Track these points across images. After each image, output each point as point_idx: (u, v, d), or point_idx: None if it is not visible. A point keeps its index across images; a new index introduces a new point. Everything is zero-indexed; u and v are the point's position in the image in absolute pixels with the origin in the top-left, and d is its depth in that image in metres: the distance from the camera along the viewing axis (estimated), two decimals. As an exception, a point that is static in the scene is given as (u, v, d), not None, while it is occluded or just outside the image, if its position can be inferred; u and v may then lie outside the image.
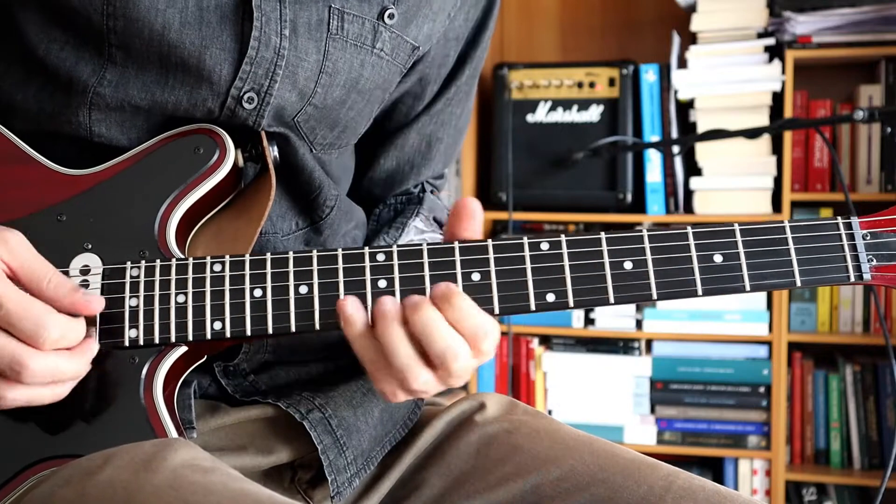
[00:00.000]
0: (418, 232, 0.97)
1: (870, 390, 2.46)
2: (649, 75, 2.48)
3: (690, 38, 2.51)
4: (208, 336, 0.75)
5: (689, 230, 0.76)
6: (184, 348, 0.76)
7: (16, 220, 0.78)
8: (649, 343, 2.55)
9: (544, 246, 0.76)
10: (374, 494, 0.87)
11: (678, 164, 2.48)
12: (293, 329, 0.75)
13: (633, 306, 2.51)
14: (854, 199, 2.38)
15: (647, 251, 0.76)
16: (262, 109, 0.82)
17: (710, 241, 0.76)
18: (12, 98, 0.83)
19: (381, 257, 0.76)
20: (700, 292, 0.76)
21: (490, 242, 0.76)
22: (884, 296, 2.43)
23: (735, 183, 2.44)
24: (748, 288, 0.76)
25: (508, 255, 0.76)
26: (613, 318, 2.52)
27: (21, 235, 0.73)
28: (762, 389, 2.45)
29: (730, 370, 2.47)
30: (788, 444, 2.49)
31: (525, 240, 0.76)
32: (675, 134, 2.48)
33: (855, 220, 0.77)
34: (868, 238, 0.77)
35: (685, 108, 2.51)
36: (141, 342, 0.75)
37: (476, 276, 0.75)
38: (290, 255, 0.76)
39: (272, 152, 0.83)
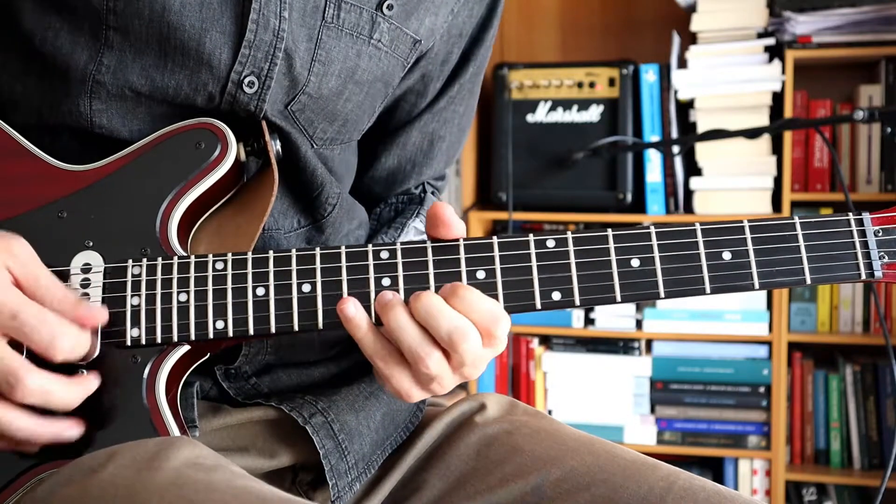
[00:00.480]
0: (418, 233, 0.97)
1: (870, 390, 2.46)
2: (649, 75, 2.48)
3: (690, 38, 2.51)
4: (211, 335, 0.75)
5: (698, 227, 0.75)
6: (186, 347, 0.76)
7: (16, 217, 0.77)
8: (649, 343, 2.54)
9: (550, 243, 0.75)
10: (374, 496, 0.87)
11: (678, 164, 2.48)
12: (296, 328, 0.75)
13: (633, 306, 2.51)
14: (854, 199, 2.38)
15: (655, 248, 0.75)
16: (263, 94, 0.81)
17: (718, 237, 0.75)
18: (13, 90, 0.82)
19: (385, 255, 0.75)
20: (708, 290, 0.74)
21: (496, 240, 0.75)
22: (884, 296, 2.43)
23: (735, 183, 2.44)
24: (757, 286, 0.74)
25: (514, 252, 0.75)
26: (613, 318, 2.52)
27: (25, 243, 0.73)
28: (762, 389, 2.45)
29: (730, 370, 2.47)
30: (788, 444, 2.49)
31: (531, 237, 0.76)
32: (675, 134, 2.48)
33: (867, 217, 0.76)
34: (880, 234, 0.75)
35: (685, 108, 2.50)
36: (143, 341, 0.75)
37: (481, 274, 0.75)
38: (293, 253, 0.76)
39: (275, 146, 0.82)
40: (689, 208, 2.49)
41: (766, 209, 2.43)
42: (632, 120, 2.48)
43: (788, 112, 2.37)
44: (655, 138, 2.47)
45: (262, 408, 0.85)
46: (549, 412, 2.57)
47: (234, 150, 0.80)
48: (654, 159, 2.48)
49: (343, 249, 0.76)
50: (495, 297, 0.74)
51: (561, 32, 2.85)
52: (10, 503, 0.72)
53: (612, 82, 2.50)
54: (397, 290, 0.75)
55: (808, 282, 0.75)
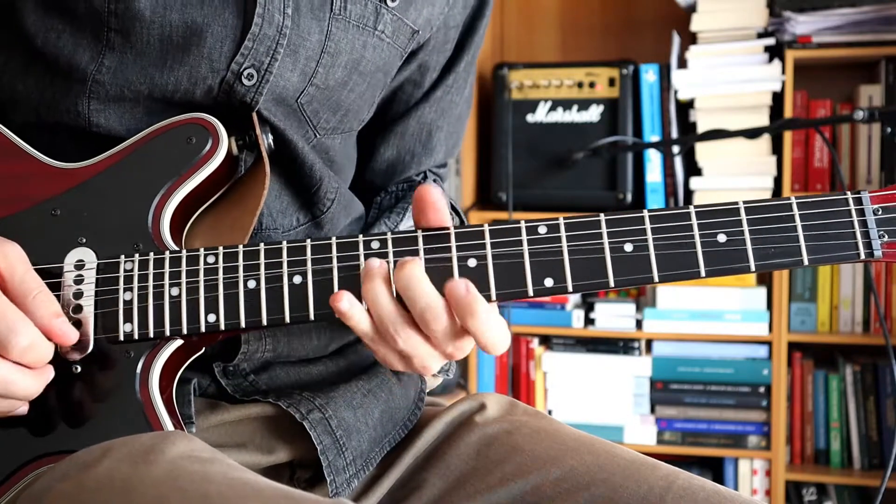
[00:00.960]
0: None
1: (870, 390, 2.46)
2: (649, 75, 2.48)
3: (690, 38, 2.50)
4: (202, 329, 0.75)
5: (692, 209, 0.74)
6: (179, 341, 0.76)
7: (9, 216, 0.78)
8: (649, 343, 2.54)
9: (542, 229, 0.74)
10: (373, 495, 0.87)
11: (678, 164, 2.48)
12: (287, 320, 0.74)
13: (632, 305, 2.51)
14: (854, 199, 2.38)
15: (648, 232, 0.74)
16: (260, 87, 0.82)
17: (713, 220, 0.74)
18: (13, 89, 0.83)
19: (375, 245, 0.75)
20: (703, 273, 0.73)
21: (486, 227, 0.75)
22: (884, 296, 2.43)
23: (735, 183, 2.44)
24: (753, 268, 0.73)
25: (505, 239, 0.74)
26: (613, 318, 2.52)
27: (19, 248, 0.73)
28: (762, 389, 2.45)
29: (730, 370, 2.47)
30: (788, 444, 2.49)
31: (522, 224, 0.75)
32: (675, 134, 2.48)
33: (865, 195, 0.74)
34: (879, 213, 0.74)
35: (685, 108, 2.50)
36: (136, 336, 0.75)
37: (472, 262, 0.74)
38: (284, 244, 0.76)
39: (266, 139, 0.82)
40: (689, 208, 2.48)
41: (767, 209, 2.43)
42: (632, 120, 2.48)
43: (788, 112, 2.37)
44: (655, 138, 2.47)
45: (259, 404, 0.85)
46: (549, 412, 2.56)
47: (225, 144, 0.80)
48: (654, 159, 2.48)
49: (334, 240, 0.75)
50: (487, 284, 0.74)
51: (561, 32, 2.85)
52: (6, 499, 0.72)
53: (612, 82, 2.50)
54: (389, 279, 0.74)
55: (806, 262, 0.73)
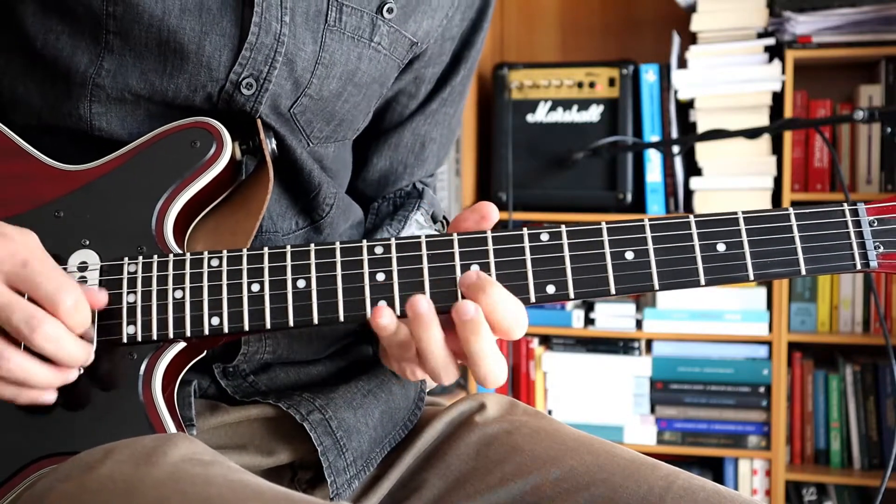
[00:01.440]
0: (419, 227, 0.97)
1: (870, 390, 2.46)
2: (649, 75, 2.48)
3: (690, 38, 2.51)
4: (206, 332, 0.75)
5: (692, 219, 0.75)
6: (182, 344, 0.76)
7: (13, 217, 0.77)
8: (649, 343, 2.54)
9: (544, 237, 0.75)
10: (373, 495, 0.87)
11: (678, 164, 2.48)
12: (291, 324, 0.75)
13: (633, 306, 2.51)
14: (854, 198, 2.38)
15: (649, 240, 0.75)
16: (259, 96, 0.82)
17: (712, 229, 0.75)
18: (14, 91, 0.83)
19: (379, 250, 0.75)
20: (703, 282, 0.74)
21: (489, 234, 0.75)
22: (884, 295, 2.43)
23: (735, 183, 2.44)
24: (752, 277, 0.74)
25: (508, 246, 0.75)
26: (613, 318, 2.52)
27: (34, 235, 0.73)
28: (762, 389, 2.45)
29: (730, 370, 2.47)
30: (788, 444, 2.49)
31: (525, 231, 0.76)
32: (675, 134, 2.48)
33: (861, 207, 0.75)
34: (875, 225, 0.75)
35: (685, 108, 2.50)
36: (139, 338, 0.75)
37: (475, 269, 0.75)
38: (288, 249, 0.76)
39: (269, 144, 0.83)
40: (689, 208, 2.49)
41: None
42: (632, 120, 2.48)
43: (788, 112, 2.37)
44: (655, 138, 2.47)
45: (259, 406, 0.85)
46: (549, 412, 2.57)
47: (229, 148, 0.80)
48: (654, 159, 2.48)
49: (338, 245, 0.76)
50: None
51: (561, 32, 2.85)
52: (8, 499, 0.72)
53: (612, 82, 2.50)
54: (392, 285, 0.75)
55: (804, 272, 0.74)
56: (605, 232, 0.75)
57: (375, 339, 0.92)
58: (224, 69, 0.80)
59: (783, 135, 2.38)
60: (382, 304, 0.73)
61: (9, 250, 0.71)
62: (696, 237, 0.75)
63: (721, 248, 0.75)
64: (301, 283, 0.75)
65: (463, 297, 0.73)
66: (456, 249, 0.75)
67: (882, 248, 0.75)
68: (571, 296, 0.74)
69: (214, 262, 0.76)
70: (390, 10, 0.86)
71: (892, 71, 2.44)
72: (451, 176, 2.59)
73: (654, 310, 2.49)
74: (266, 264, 0.76)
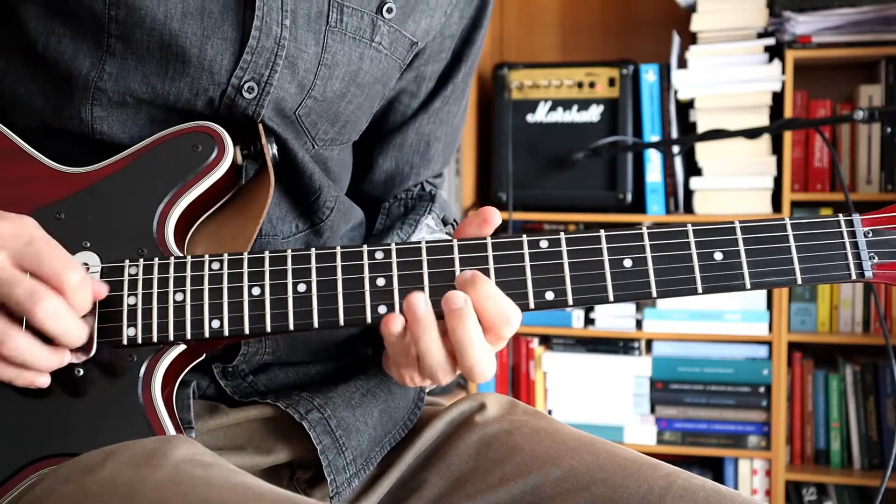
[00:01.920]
0: (430, 231, 0.97)
1: (870, 390, 2.46)
2: (649, 75, 2.48)
3: (690, 38, 2.51)
4: (206, 334, 0.75)
5: (689, 227, 0.76)
6: (182, 346, 0.76)
7: None
8: (649, 343, 2.54)
9: (543, 244, 0.76)
10: (373, 494, 0.87)
11: (678, 164, 2.48)
12: (291, 328, 0.75)
13: (632, 306, 2.51)
14: (854, 199, 2.38)
15: (647, 249, 0.76)
16: (261, 99, 0.82)
17: (710, 238, 0.76)
18: (15, 93, 0.83)
19: (379, 255, 0.76)
20: (700, 290, 0.75)
21: (489, 241, 0.76)
22: (884, 296, 2.43)
23: (735, 183, 2.44)
24: (749, 286, 0.75)
25: (507, 252, 0.76)
26: (613, 318, 2.52)
27: (34, 220, 0.74)
28: (762, 389, 2.45)
29: (730, 370, 2.47)
30: (788, 444, 2.49)
31: (524, 238, 0.76)
32: (675, 134, 2.48)
33: (856, 218, 0.77)
34: (870, 235, 0.76)
35: (685, 108, 2.50)
36: (139, 340, 0.75)
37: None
38: (289, 253, 0.76)
39: (271, 149, 0.83)
40: (689, 208, 2.49)
41: (766, 209, 2.43)
42: (632, 120, 2.48)
43: (788, 112, 2.37)
44: (655, 138, 2.47)
45: (258, 406, 0.85)
46: (549, 412, 2.57)
47: (230, 152, 0.81)
48: (654, 159, 2.48)
49: (338, 250, 0.76)
50: None
51: (561, 32, 2.85)
52: (7, 499, 0.72)
53: (612, 82, 2.50)
54: (392, 291, 0.75)
55: (800, 282, 0.75)
56: (603, 240, 0.76)
57: (376, 342, 0.92)
58: (226, 73, 0.80)
59: (783, 135, 2.38)
60: (394, 312, 0.74)
61: (12, 230, 0.72)
62: (693, 246, 0.76)
63: (718, 256, 0.75)
64: (302, 287, 0.75)
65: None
66: (456, 255, 0.76)
67: (877, 258, 0.76)
68: (570, 302, 0.75)
69: (215, 266, 0.76)
70: (390, 10, 0.87)
71: (892, 71, 2.44)
72: (451, 176, 2.59)
73: (654, 310, 2.49)
74: (267, 268, 0.76)
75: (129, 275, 0.77)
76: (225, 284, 0.76)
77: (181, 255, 0.78)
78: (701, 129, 2.40)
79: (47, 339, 0.72)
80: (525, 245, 0.76)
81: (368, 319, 0.75)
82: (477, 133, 2.70)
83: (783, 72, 2.37)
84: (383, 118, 0.98)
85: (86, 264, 0.77)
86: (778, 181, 2.42)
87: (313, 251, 0.76)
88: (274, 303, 0.75)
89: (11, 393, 0.75)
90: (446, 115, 1.00)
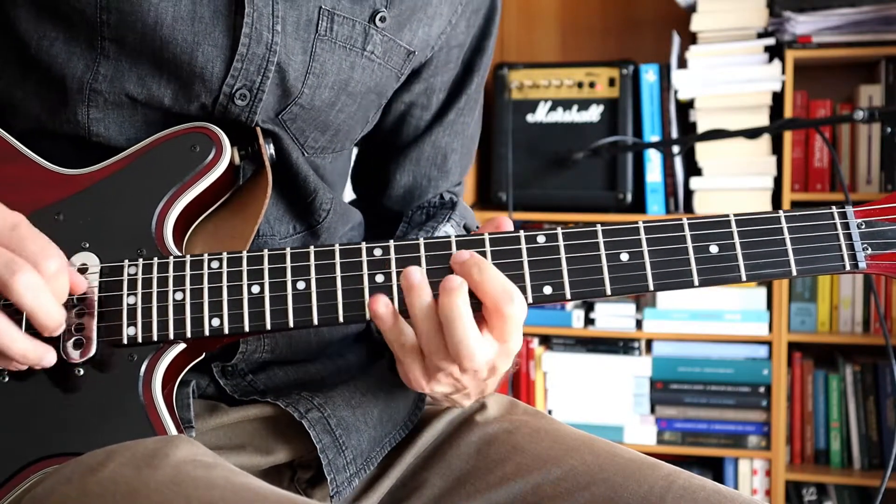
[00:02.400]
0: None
1: (870, 390, 2.46)
2: (649, 75, 2.48)
3: (690, 38, 2.51)
4: (206, 333, 0.75)
5: (685, 221, 0.77)
6: (182, 345, 0.76)
7: None
8: (649, 343, 2.54)
9: (541, 239, 0.76)
10: (373, 494, 0.87)
11: (678, 164, 2.48)
12: (291, 325, 0.75)
13: (633, 306, 2.51)
14: (854, 198, 2.38)
15: (643, 242, 0.76)
16: (254, 106, 0.82)
17: (705, 231, 0.76)
18: (12, 96, 0.83)
19: (378, 252, 0.76)
20: (696, 283, 0.76)
21: (487, 236, 0.76)
22: (884, 295, 2.43)
23: (735, 183, 2.44)
24: (744, 278, 0.76)
25: (505, 248, 0.76)
26: (613, 318, 2.52)
27: (24, 217, 0.74)
28: (762, 389, 2.45)
29: (730, 370, 2.47)
30: (788, 444, 2.49)
31: (521, 233, 0.77)
32: (675, 134, 2.48)
33: (850, 210, 0.77)
34: (863, 227, 0.77)
35: (685, 108, 2.50)
36: (139, 340, 0.75)
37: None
38: (288, 251, 0.76)
39: (268, 150, 0.83)
40: (689, 208, 2.49)
41: (767, 209, 2.42)
42: (632, 120, 2.48)
43: (788, 112, 2.37)
44: (655, 138, 2.47)
45: (258, 405, 0.85)
46: (549, 412, 2.57)
47: (228, 153, 0.81)
48: (654, 159, 2.48)
49: (337, 247, 0.76)
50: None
51: (561, 32, 2.85)
52: (8, 499, 0.72)
53: (612, 82, 2.50)
54: (391, 287, 0.75)
55: (794, 273, 0.76)
56: (600, 234, 0.76)
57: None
58: (217, 80, 0.81)
59: (783, 135, 2.38)
60: (380, 294, 0.74)
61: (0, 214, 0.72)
62: (689, 239, 0.76)
63: (714, 249, 0.76)
64: (301, 285, 0.76)
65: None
66: (454, 251, 0.76)
67: (870, 249, 0.77)
68: (568, 296, 0.75)
69: (214, 264, 0.76)
70: (383, 19, 0.86)
71: (892, 71, 2.44)
72: (451, 176, 2.59)
73: (654, 310, 2.49)
74: (266, 266, 0.76)
75: (129, 274, 0.77)
76: (224, 283, 0.76)
77: (180, 254, 0.78)
78: (701, 129, 2.40)
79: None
80: (522, 240, 0.76)
81: (368, 316, 0.75)
82: (477, 133, 2.69)
83: (783, 72, 2.37)
84: (397, 133, 0.99)
85: (85, 265, 0.77)
86: (778, 181, 2.42)
87: (312, 249, 0.76)
88: (273, 300, 0.75)
89: (12, 393, 0.75)
90: (461, 127, 1.00)
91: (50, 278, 0.71)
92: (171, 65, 0.79)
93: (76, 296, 0.75)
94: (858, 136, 2.48)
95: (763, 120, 2.41)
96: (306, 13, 0.82)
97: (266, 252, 0.77)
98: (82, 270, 0.77)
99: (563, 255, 0.76)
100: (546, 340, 2.62)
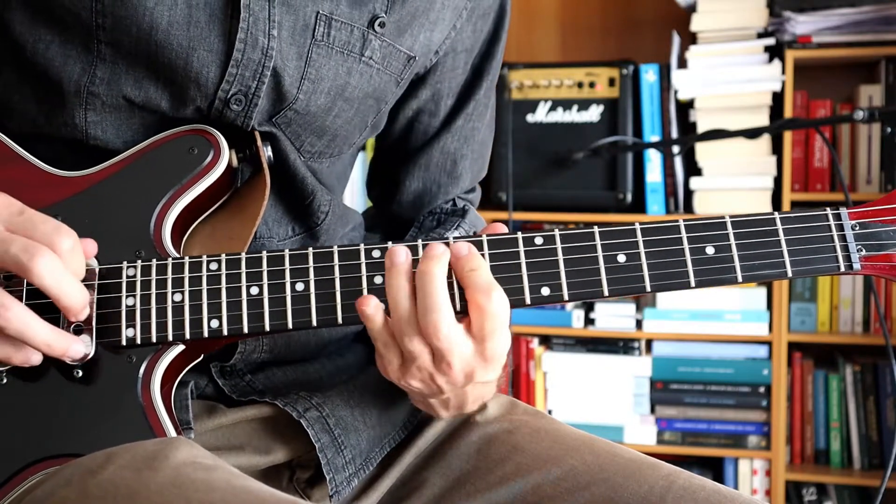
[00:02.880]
0: None
1: (870, 390, 2.46)
2: (649, 75, 2.48)
3: (690, 38, 2.50)
4: (205, 334, 0.75)
5: (681, 223, 0.77)
6: (181, 347, 0.76)
7: None
8: (649, 343, 2.54)
9: (538, 240, 0.76)
10: (373, 493, 0.87)
11: (678, 164, 2.48)
12: (290, 326, 0.75)
13: (632, 306, 2.51)
14: (854, 198, 2.38)
15: (640, 244, 0.76)
16: (249, 111, 0.82)
17: (701, 233, 0.77)
18: (9, 99, 0.83)
19: (376, 254, 0.76)
20: (693, 284, 0.76)
21: (484, 237, 0.77)
22: (884, 295, 2.43)
23: (735, 183, 2.44)
24: (740, 279, 0.76)
25: (503, 250, 0.76)
26: (613, 318, 2.52)
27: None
28: (762, 389, 2.45)
29: (730, 370, 2.47)
30: (788, 444, 2.49)
31: (519, 235, 0.77)
32: (675, 134, 2.48)
33: (844, 211, 0.78)
34: (857, 228, 0.78)
35: (685, 108, 2.50)
36: (138, 341, 0.75)
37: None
38: (286, 252, 0.77)
39: (266, 152, 0.83)
40: (689, 208, 2.49)
41: (767, 209, 2.43)
42: (632, 120, 2.48)
43: (788, 112, 2.37)
44: (655, 138, 2.47)
45: (256, 406, 0.85)
46: (549, 412, 2.56)
47: (226, 155, 0.81)
48: (654, 159, 2.48)
49: (335, 249, 0.77)
50: None
51: (561, 32, 2.85)
52: (7, 501, 0.72)
53: (612, 82, 2.50)
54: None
55: (790, 274, 0.77)
56: (597, 236, 0.77)
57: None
58: (212, 85, 0.80)
59: (783, 135, 2.38)
60: (369, 295, 0.74)
61: (4, 201, 0.72)
62: (685, 241, 0.77)
63: (710, 251, 0.76)
64: (300, 286, 0.76)
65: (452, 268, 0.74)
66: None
67: (864, 250, 0.77)
68: (566, 297, 0.76)
69: (213, 266, 0.76)
70: (382, 25, 0.86)
71: (892, 71, 2.44)
72: (451, 176, 2.59)
73: (654, 310, 2.49)
74: (265, 268, 0.76)
75: (128, 276, 0.77)
76: (223, 284, 0.76)
77: (179, 256, 0.78)
78: (701, 129, 2.40)
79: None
80: (520, 242, 0.76)
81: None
82: (477, 133, 2.69)
83: (783, 72, 2.37)
84: (405, 139, 0.98)
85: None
86: (778, 181, 2.42)
87: (310, 250, 0.77)
88: (272, 302, 0.76)
89: (11, 394, 0.75)
90: (470, 132, 1.00)
91: (66, 255, 0.71)
92: (167, 69, 0.79)
93: (90, 300, 0.75)
94: (858, 136, 2.47)
95: (763, 120, 2.41)
96: (303, 18, 0.82)
97: (265, 254, 0.77)
98: None
99: (560, 256, 0.76)
100: (546, 340, 2.62)
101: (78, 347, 0.73)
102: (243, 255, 0.77)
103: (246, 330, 0.75)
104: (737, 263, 0.76)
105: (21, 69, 0.81)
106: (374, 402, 0.88)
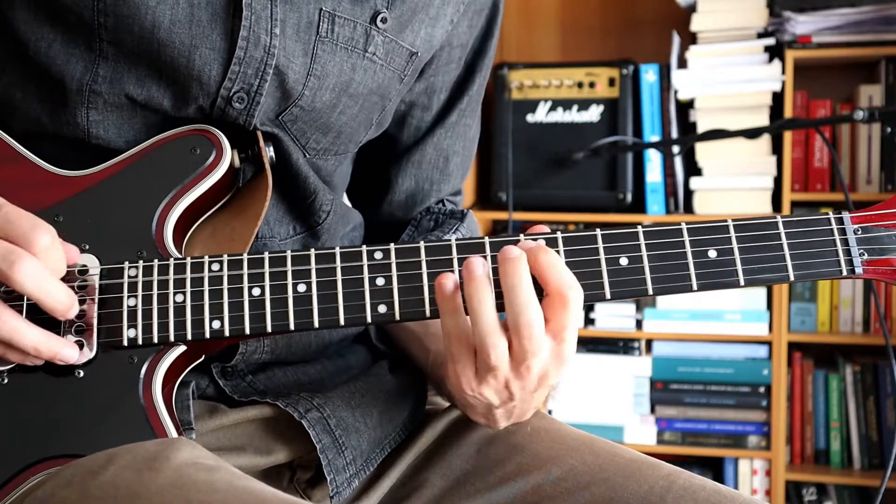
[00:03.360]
0: None
1: (870, 390, 2.46)
2: (649, 75, 2.48)
3: (690, 38, 2.51)
4: (207, 335, 0.75)
5: (684, 226, 0.77)
6: (182, 347, 0.76)
7: None
8: (649, 343, 2.54)
9: (541, 243, 0.76)
10: (374, 494, 0.87)
11: (678, 164, 2.48)
12: (292, 327, 0.75)
13: (633, 306, 2.51)
14: (854, 199, 2.38)
15: (643, 247, 0.76)
16: (252, 109, 0.82)
17: (704, 236, 0.77)
18: (12, 97, 0.83)
19: (378, 255, 0.76)
20: (695, 287, 0.76)
21: (487, 240, 0.77)
22: (884, 295, 2.43)
23: (735, 183, 2.44)
24: (742, 283, 0.76)
25: None
26: (613, 318, 2.52)
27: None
28: (762, 389, 2.45)
29: (730, 370, 2.47)
30: (788, 444, 2.49)
31: (522, 237, 0.77)
32: (675, 134, 2.48)
33: (846, 215, 0.78)
34: (859, 233, 0.78)
35: (685, 108, 2.50)
36: (140, 342, 0.75)
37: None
38: (288, 253, 0.77)
39: (268, 152, 0.83)
40: (689, 208, 2.49)
41: (767, 209, 2.43)
42: (632, 120, 2.48)
43: (788, 112, 2.37)
44: (655, 138, 2.47)
45: (257, 406, 0.85)
46: (549, 412, 2.57)
47: (228, 156, 0.81)
48: (654, 159, 2.48)
49: (337, 250, 0.77)
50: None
51: (561, 32, 2.85)
52: (8, 501, 0.72)
53: (612, 82, 2.50)
54: (391, 290, 0.75)
55: (792, 278, 0.77)
56: (599, 239, 0.77)
57: (395, 353, 0.92)
58: (214, 84, 0.80)
59: (783, 135, 2.38)
60: (448, 273, 0.73)
61: None
62: (688, 244, 0.77)
63: (712, 254, 0.76)
64: (302, 288, 0.76)
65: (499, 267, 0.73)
66: (454, 256, 0.76)
67: (867, 255, 0.77)
68: None
69: (215, 267, 0.76)
70: (384, 20, 0.86)
71: (892, 71, 2.44)
72: (451, 176, 2.59)
73: (654, 310, 2.49)
74: (267, 269, 0.76)
75: (129, 276, 0.77)
76: (225, 285, 0.76)
77: (181, 256, 0.78)
78: (701, 129, 2.40)
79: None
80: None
81: (368, 319, 0.75)
82: (477, 133, 2.69)
83: (783, 72, 2.37)
84: (397, 136, 0.98)
85: (85, 266, 0.77)
86: (778, 181, 2.42)
87: (312, 251, 0.77)
88: (274, 303, 0.76)
89: (12, 394, 0.75)
90: (463, 129, 1.00)
91: (44, 253, 0.70)
92: (169, 67, 0.79)
93: (76, 297, 0.75)
94: (858, 136, 2.47)
95: (763, 120, 2.41)
96: (307, 15, 0.82)
97: (267, 254, 0.77)
98: (82, 272, 0.77)
99: (563, 259, 0.76)
100: (546, 340, 2.62)
101: (69, 352, 0.73)
102: (245, 256, 0.77)
103: (248, 331, 0.75)
104: (739, 267, 0.76)
105: (24, 68, 0.81)
106: (374, 403, 0.88)
